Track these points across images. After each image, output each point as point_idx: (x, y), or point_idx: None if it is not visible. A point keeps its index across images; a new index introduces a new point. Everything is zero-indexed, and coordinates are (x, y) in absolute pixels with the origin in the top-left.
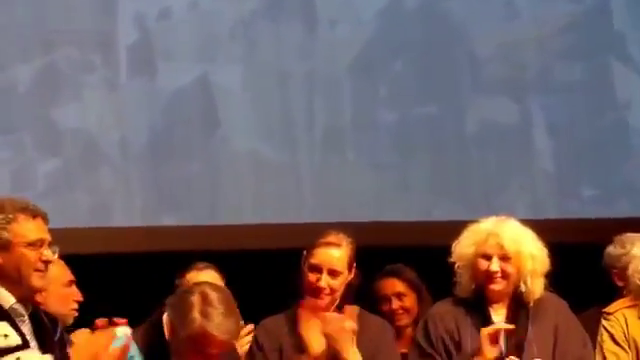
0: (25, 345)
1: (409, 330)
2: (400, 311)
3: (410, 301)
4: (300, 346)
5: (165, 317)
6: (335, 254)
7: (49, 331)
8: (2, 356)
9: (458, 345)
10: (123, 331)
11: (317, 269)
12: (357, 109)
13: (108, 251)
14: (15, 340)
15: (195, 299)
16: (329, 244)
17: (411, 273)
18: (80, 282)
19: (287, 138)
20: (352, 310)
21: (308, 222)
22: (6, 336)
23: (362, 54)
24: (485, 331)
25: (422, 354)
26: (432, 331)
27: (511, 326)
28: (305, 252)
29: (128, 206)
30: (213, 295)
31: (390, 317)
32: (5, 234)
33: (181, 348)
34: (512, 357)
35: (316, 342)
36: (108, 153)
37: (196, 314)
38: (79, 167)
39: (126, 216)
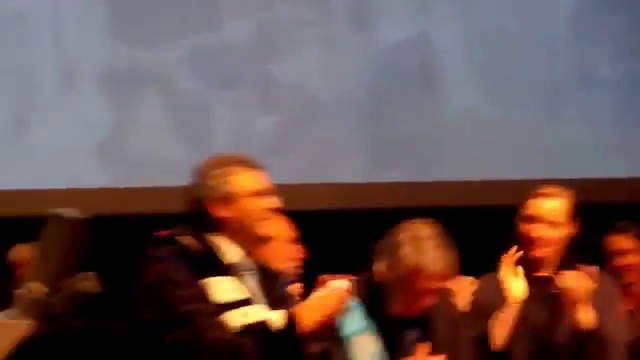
0: (249, 300)
1: (637, 287)
2: (628, 268)
3: (639, 258)
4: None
5: (375, 264)
6: (550, 205)
7: (272, 286)
8: (228, 309)
9: None
10: (341, 284)
11: (531, 219)
12: (576, 65)
13: (329, 207)
14: (239, 295)
15: (405, 236)
16: (544, 195)
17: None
18: (300, 238)
19: (506, 94)
20: (590, 270)
21: (528, 178)
22: (230, 291)
23: (582, 9)
24: None
25: None
26: None
27: None
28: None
29: (348, 162)
30: (424, 230)
31: (618, 273)
32: (227, 187)
33: (396, 289)
34: None
35: (516, 288)
36: (327, 109)
37: (408, 250)
38: (298, 123)
39: (346, 172)
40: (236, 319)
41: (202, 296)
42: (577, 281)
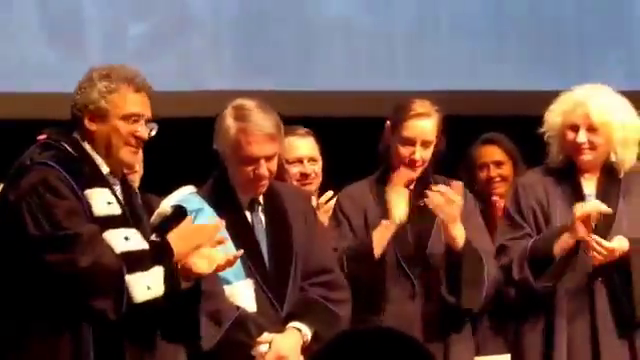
0: (125, 215)
1: (505, 199)
2: (498, 179)
3: (508, 169)
4: (385, 211)
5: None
6: (427, 125)
7: (135, 197)
8: (107, 223)
9: (547, 215)
10: (188, 190)
11: (410, 142)
12: None
13: (197, 115)
14: (117, 209)
15: (229, 110)
16: (420, 115)
17: (509, 142)
18: (172, 145)
19: (380, 4)
20: (458, 185)
21: (401, 90)
22: (109, 203)
23: None
24: (579, 211)
25: (512, 224)
26: (522, 201)
27: (608, 210)
28: (390, 123)
29: (219, 70)
30: (247, 102)
31: (487, 185)
32: (103, 103)
33: (232, 166)
34: (595, 237)
35: (399, 210)
36: (199, 16)
37: (231, 121)
38: (169, 30)
39: (216, 80)
40: (117, 241)
41: (84, 209)
42: (447, 198)
